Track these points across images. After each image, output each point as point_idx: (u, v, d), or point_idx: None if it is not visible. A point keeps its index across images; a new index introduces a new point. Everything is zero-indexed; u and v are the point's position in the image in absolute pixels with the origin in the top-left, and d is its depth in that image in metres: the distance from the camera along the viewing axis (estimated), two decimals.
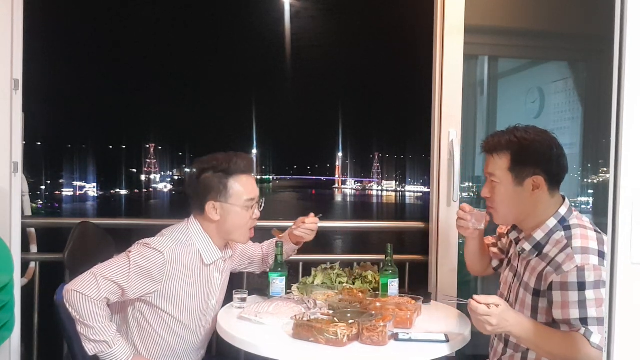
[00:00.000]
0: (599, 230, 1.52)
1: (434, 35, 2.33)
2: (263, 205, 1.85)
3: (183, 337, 1.76)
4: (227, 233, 1.78)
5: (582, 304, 1.40)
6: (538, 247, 1.56)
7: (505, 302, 1.45)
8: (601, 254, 1.43)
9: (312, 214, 2.00)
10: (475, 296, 1.43)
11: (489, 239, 1.94)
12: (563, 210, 1.56)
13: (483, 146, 1.65)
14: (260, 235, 2.13)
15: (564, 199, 1.60)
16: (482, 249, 1.88)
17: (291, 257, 2.34)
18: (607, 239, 1.46)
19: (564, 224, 1.54)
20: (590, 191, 3.03)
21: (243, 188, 1.75)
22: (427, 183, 2.52)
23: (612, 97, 0.99)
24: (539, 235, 1.56)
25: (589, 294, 1.40)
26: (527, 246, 1.59)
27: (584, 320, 1.40)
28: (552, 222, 1.55)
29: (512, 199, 1.58)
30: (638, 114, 1.01)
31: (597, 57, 2.96)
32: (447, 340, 1.54)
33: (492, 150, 1.61)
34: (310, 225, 1.97)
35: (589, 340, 1.37)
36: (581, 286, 1.41)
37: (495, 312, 1.39)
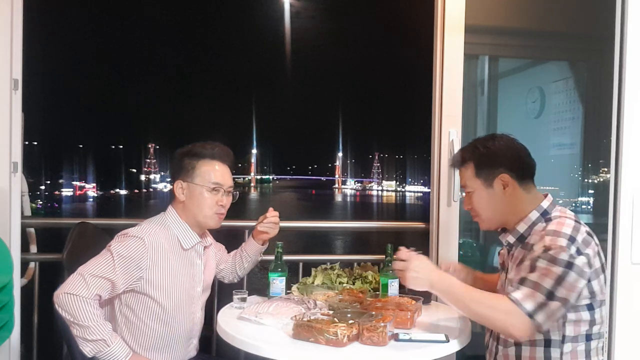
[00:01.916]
0: (581, 222, 1.53)
1: (434, 35, 2.32)
2: (237, 197, 1.90)
3: (171, 324, 1.76)
4: (194, 215, 1.80)
5: (531, 268, 1.44)
6: (522, 239, 1.60)
7: (430, 260, 1.57)
8: (572, 239, 1.45)
9: (271, 209, 2.04)
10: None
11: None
12: (545, 204, 1.60)
13: (451, 164, 1.76)
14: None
15: (546, 195, 1.64)
16: (475, 282, 1.82)
17: (291, 257, 2.34)
18: (586, 229, 1.49)
19: (546, 216, 1.58)
20: (591, 191, 3.03)
21: (211, 171, 1.81)
22: (427, 183, 2.51)
23: (612, 97, 0.99)
24: (522, 227, 1.60)
25: (542, 262, 1.43)
26: (510, 239, 1.63)
27: (522, 280, 1.44)
28: (534, 214, 1.59)
29: (488, 203, 1.64)
30: (638, 114, 1.01)
31: (597, 57, 2.95)
32: (447, 341, 1.54)
33: (459, 164, 1.70)
34: (272, 219, 2.01)
35: (509, 296, 1.41)
36: (539, 257, 1.45)
37: (414, 260, 1.54)
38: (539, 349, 1.51)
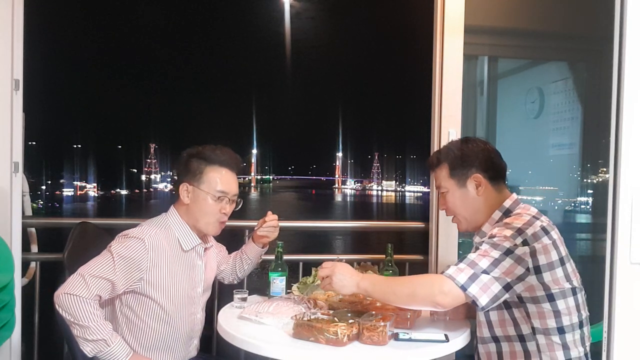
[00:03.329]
0: (539, 218, 1.55)
1: (433, 36, 2.33)
2: (240, 205, 1.88)
3: (172, 324, 1.76)
4: (195, 219, 1.79)
5: (474, 250, 1.50)
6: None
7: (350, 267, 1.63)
8: (519, 231, 1.48)
9: (269, 212, 2.04)
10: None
11: None
12: (508, 203, 1.65)
13: (427, 166, 1.81)
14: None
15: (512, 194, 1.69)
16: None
17: (291, 257, 2.34)
18: (543, 224, 1.50)
19: (508, 215, 1.61)
20: (590, 191, 3.03)
21: (218, 179, 1.79)
22: (426, 183, 2.52)
23: (611, 97, 1.00)
24: (486, 228, 1.65)
25: (484, 246, 1.48)
26: (477, 239, 1.67)
27: (462, 259, 1.49)
28: (497, 214, 1.65)
29: (463, 203, 1.69)
30: (637, 114, 1.01)
31: (596, 58, 2.96)
32: (447, 340, 1.54)
33: (434, 166, 1.76)
34: (271, 222, 2.01)
35: (444, 273, 1.46)
36: (483, 241, 1.50)
37: (339, 265, 1.59)
38: (516, 344, 1.54)
